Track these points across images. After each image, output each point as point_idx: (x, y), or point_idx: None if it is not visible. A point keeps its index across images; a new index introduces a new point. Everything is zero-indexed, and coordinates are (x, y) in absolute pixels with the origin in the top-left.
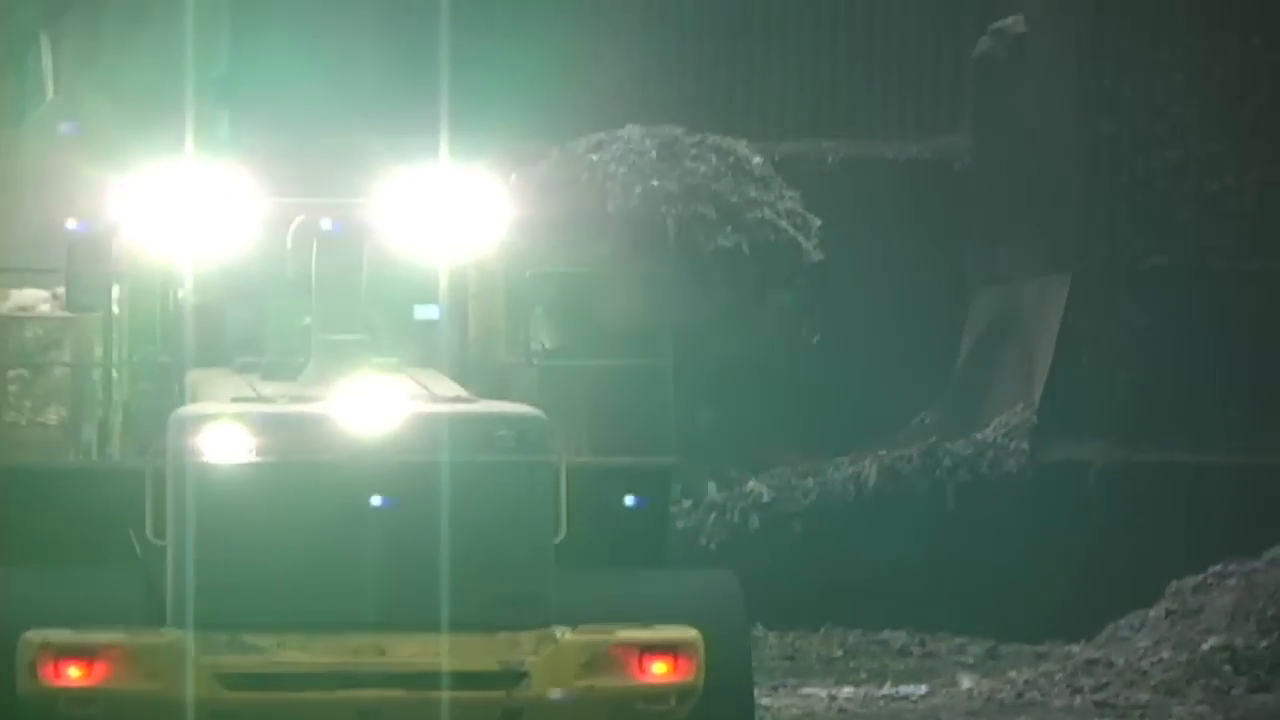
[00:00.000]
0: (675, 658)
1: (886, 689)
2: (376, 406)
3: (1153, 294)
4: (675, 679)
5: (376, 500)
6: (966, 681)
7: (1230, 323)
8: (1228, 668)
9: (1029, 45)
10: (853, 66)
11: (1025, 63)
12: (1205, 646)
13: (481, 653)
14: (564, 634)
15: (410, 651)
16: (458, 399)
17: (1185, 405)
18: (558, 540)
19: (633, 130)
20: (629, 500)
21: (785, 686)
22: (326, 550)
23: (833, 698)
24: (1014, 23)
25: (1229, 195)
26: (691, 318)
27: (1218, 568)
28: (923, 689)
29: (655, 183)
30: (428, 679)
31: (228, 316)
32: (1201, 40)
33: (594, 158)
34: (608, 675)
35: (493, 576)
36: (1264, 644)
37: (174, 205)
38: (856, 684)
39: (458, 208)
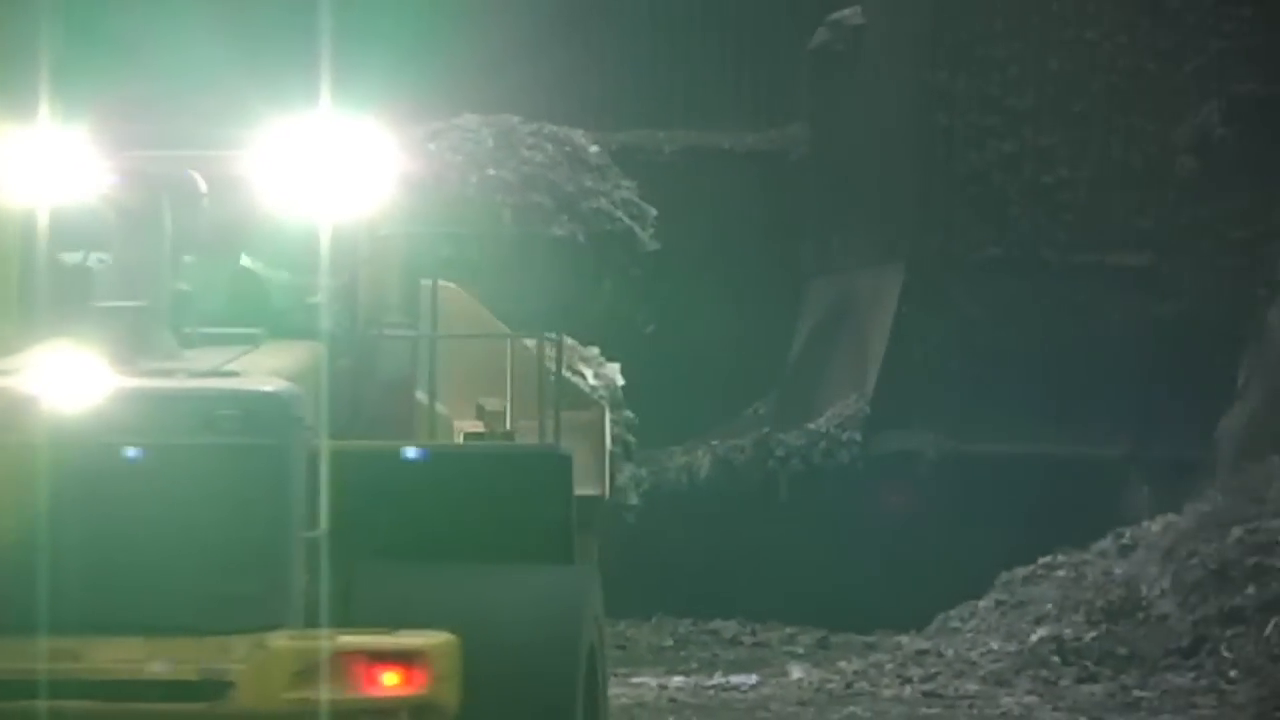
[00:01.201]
0: (408, 668)
1: (717, 678)
2: (81, 381)
3: (986, 285)
4: (407, 692)
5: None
6: (796, 671)
7: (1062, 315)
8: (1056, 658)
9: (866, 37)
10: (690, 57)
11: (862, 54)
12: (1034, 637)
13: (184, 660)
14: (279, 640)
15: (109, 657)
16: (196, 374)
17: (1017, 396)
18: (313, 534)
19: (470, 119)
20: (410, 453)
21: (616, 676)
22: (16, 543)
23: (663, 687)
24: (851, 14)
25: (1063, 188)
26: (528, 305)
27: (1047, 559)
28: (753, 679)
29: (492, 171)
30: (125, 688)
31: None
32: (1037, 34)
33: (431, 146)
34: (326, 686)
35: (206, 575)
36: (1092, 635)
37: (18, 165)
38: (687, 673)
39: (341, 160)
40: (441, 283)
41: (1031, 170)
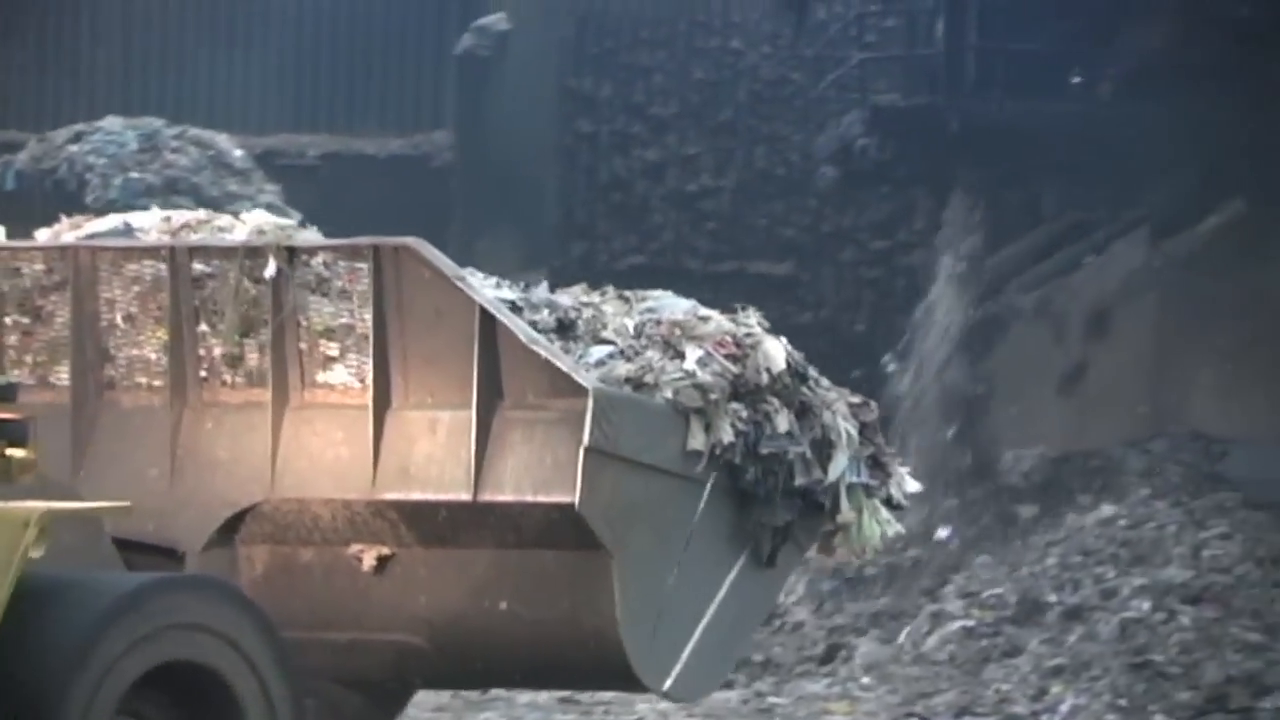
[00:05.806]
0: None
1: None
2: None
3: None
4: None
5: None
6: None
7: None
8: None
9: (511, 43)
10: (334, 60)
11: (507, 60)
12: None
13: None
14: None
15: None
16: None
17: None
18: None
19: (113, 121)
20: None
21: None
22: None
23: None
24: (497, 20)
25: (706, 196)
26: None
27: None
28: None
29: (135, 175)
30: None
31: None
32: (681, 42)
33: (73, 149)
34: None
35: None
36: None
37: None
38: None
39: None
40: (396, 241)
41: (675, 178)
